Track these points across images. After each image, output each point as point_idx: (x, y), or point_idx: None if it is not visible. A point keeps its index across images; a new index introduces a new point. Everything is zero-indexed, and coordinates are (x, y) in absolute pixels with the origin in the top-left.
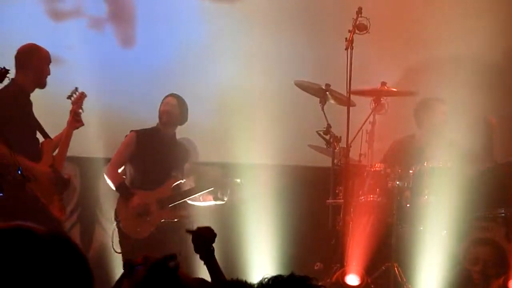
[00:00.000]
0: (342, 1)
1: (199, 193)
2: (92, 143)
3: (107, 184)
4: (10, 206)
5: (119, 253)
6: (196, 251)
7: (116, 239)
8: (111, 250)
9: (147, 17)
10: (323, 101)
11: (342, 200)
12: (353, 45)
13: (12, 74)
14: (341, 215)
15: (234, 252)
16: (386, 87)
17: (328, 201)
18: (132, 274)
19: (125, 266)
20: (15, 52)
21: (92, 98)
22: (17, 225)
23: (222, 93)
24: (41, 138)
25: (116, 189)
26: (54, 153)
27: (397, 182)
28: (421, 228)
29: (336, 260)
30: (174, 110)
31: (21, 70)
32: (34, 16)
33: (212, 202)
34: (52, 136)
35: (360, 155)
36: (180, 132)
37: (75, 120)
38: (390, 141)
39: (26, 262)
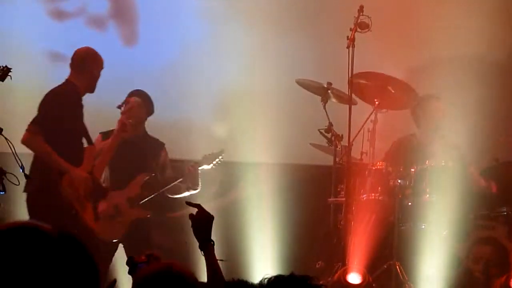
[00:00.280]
0: None
1: (169, 186)
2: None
3: None
4: (42, 210)
5: None
6: (196, 235)
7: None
8: None
9: (149, 16)
10: (325, 100)
11: (344, 199)
12: (355, 43)
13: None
14: (342, 214)
15: (236, 250)
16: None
17: (329, 199)
18: (135, 271)
19: (128, 263)
20: (17, 51)
21: (93, 96)
22: (23, 223)
23: (224, 91)
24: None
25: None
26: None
27: (399, 181)
28: (423, 226)
29: (337, 258)
30: (140, 110)
31: (77, 72)
32: (36, 15)
33: (187, 193)
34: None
35: (362, 153)
36: (181, 132)
37: (122, 130)
38: (392, 139)
39: (33, 260)
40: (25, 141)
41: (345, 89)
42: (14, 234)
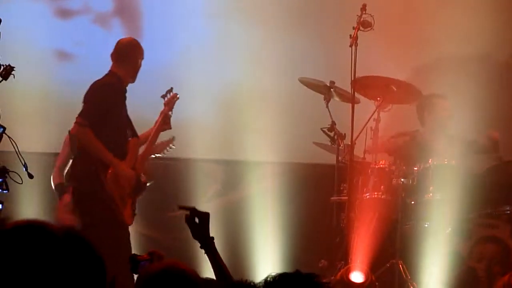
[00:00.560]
0: None
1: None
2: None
3: None
4: (86, 204)
5: None
6: (195, 237)
7: None
8: None
9: (153, 14)
10: (328, 98)
11: (347, 197)
12: (358, 42)
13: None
14: (345, 212)
15: (239, 249)
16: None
17: (332, 198)
18: (137, 269)
19: (130, 261)
20: (21, 50)
21: None
22: (30, 221)
23: (227, 90)
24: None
25: (54, 189)
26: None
27: (402, 180)
28: (426, 225)
29: (340, 257)
30: None
31: (120, 63)
32: (40, 13)
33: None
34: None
35: (365, 152)
36: (183, 131)
37: (164, 122)
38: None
39: (39, 259)
40: (75, 134)
41: (348, 87)
42: (20, 233)
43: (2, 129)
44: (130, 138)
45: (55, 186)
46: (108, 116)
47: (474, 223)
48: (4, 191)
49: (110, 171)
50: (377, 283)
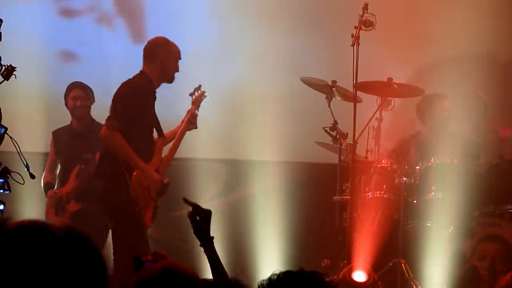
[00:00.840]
0: None
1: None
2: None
3: None
4: (109, 205)
5: None
6: (196, 233)
7: None
8: None
9: (157, 13)
10: (330, 98)
11: (349, 197)
12: (359, 41)
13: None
14: (348, 212)
15: (242, 247)
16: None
17: (335, 197)
18: (140, 270)
19: (134, 262)
20: (23, 49)
21: (103, 93)
22: (32, 221)
23: (229, 89)
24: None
25: (42, 188)
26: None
27: (404, 179)
28: (428, 224)
29: (343, 256)
30: (86, 102)
31: (148, 63)
32: (44, 13)
33: None
34: None
35: (367, 151)
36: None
37: (190, 122)
38: (397, 137)
39: (40, 259)
40: (104, 137)
41: (349, 87)
42: (21, 233)
43: (3, 129)
44: (157, 138)
45: (43, 186)
46: (137, 117)
47: (476, 221)
48: (6, 192)
49: (135, 173)
50: (379, 282)
